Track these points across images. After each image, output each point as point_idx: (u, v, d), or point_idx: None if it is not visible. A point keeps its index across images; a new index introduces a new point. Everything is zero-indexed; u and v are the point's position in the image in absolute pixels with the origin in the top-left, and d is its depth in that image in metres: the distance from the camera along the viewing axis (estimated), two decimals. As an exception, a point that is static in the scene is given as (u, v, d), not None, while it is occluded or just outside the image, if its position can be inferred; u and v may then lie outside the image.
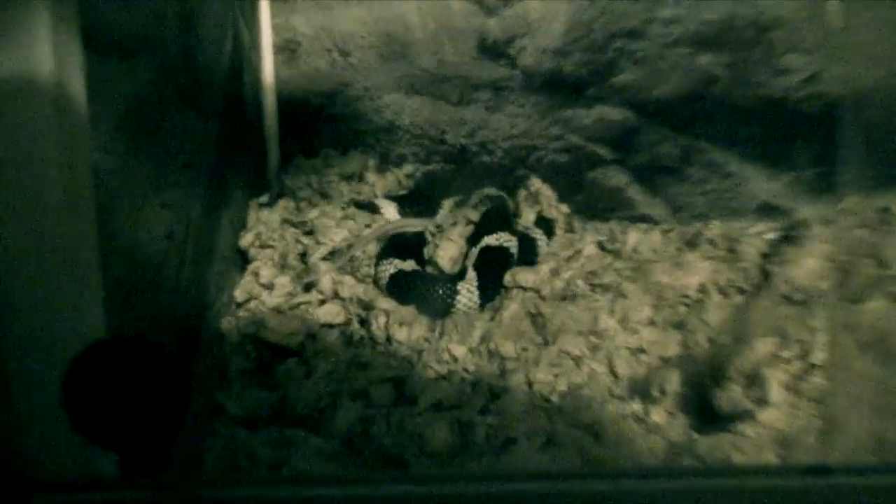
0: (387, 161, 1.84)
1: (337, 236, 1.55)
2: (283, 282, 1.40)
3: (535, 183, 1.72)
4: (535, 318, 1.29)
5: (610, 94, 1.59)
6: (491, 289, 1.39)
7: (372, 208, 1.69)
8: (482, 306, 1.38)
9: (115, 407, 0.62)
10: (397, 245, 1.52)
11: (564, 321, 1.27)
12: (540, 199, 1.70)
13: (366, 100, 1.80)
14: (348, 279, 1.40)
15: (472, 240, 1.53)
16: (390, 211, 1.71)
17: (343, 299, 1.36)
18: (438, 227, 1.59)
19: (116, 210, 0.98)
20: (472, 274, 1.41)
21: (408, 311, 1.33)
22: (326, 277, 1.39)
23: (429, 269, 1.50)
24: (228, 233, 1.49)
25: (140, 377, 0.64)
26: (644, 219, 1.62)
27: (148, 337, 0.67)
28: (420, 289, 1.39)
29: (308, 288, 1.39)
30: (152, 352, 0.65)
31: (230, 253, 1.50)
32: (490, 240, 1.47)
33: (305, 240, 1.55)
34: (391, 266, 1.43)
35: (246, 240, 1.54)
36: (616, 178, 1.67)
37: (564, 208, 1.69)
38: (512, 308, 1.32)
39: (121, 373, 0.64)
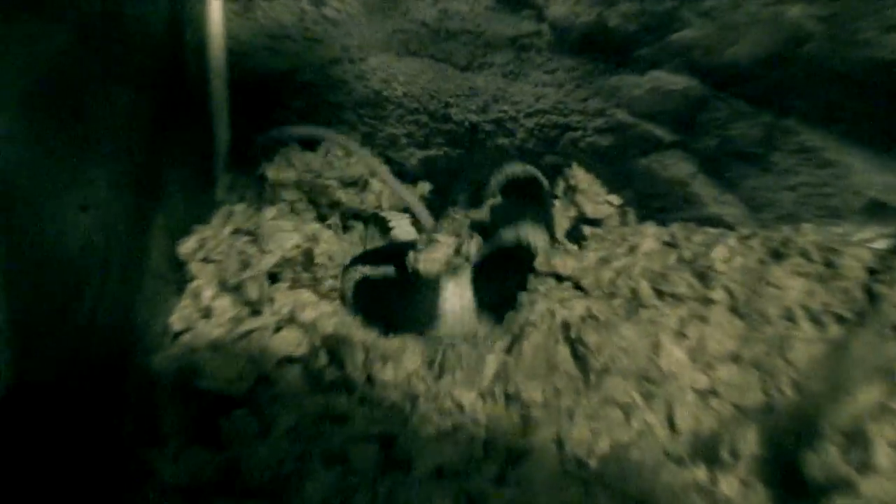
0: (372, 143, 1.87)
1: (288, 242, 1.58)
2: (225, 304, 1.43)
3: (577, 174, 1.74)
4: (575, 346, 1.30)
5: (668, 56, 1.61)
6: (499, 294, 1.39)
7: (377, 223, 1.73)
8: (483, 309, 1.38)
9: (12, 474, 0.65)
10: (379, 256, 1.55)
11: (614, 353, 1.28)
12: (577, 196, 1.71)
13: (345, 63, 1.83)
14: (308, 295, 1.43)
15: (486, 236, 1.55)
16: (402, 226, 1.74)
17: (303, 324, 1.38)
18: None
19: (22, 216, 1.00)
20: (465, 270, 1.42)
21: (393, 343, 1.35)
22: (280, 294, 1.42)
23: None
24: (165, 241, 1.51)
25: (48, 440, 0.66)
26: (714, 221, 1.65)
27: (62, 384, 0.70)
28: (392, 295, 1.41)
29: (258, 311, 1.42)
30: (66, 406, 0.67)
31: (167, 267, 1.53)
32: (508, 235, 1.48)
33: (251, 248, 1.58)
34: (356, 273, 1.46)
35: (186, 248, 1.57)
36: (677, 166, 1.69)
37: (615, 199, 1.71)
38: (534, 338, 1.32)
39: (25, 436, 0.66)
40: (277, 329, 1.38)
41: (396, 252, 1.58)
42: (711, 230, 1.59)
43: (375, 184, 1.85)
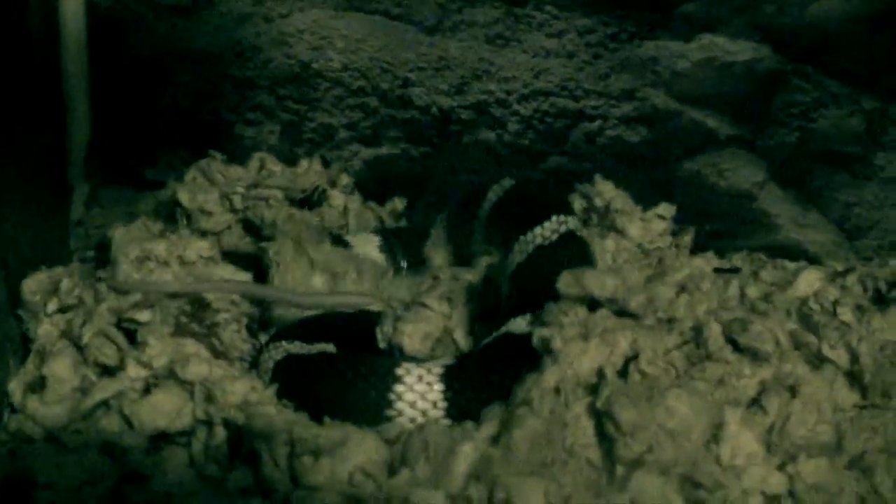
0: (297, 136, 1.90)
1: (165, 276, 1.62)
2: (64, 370, 1.45)
3: (603, 189, 1.75)
4: (602, 422, 1.29)
5: (727, 12, 1.64)
6: (490, 393, 1.41)
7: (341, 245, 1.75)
8: (454, 417, 1.40)
9: None
10: (327, 328, 1.59)
11: (655, 435, 1.26)
12: (616, 219, 1.71)
13: (258, 21, 1.85)
14: (195, 348, 1.46)
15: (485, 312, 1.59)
16: (368, 251, 1.78)
17: (187, 382, 1.40)
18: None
19: None
20: (444, 360, 1.46)
21: (331, 432, 1.36)
22: (153, 338, 1.45)
23: None
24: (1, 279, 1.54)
25: None
26: (792, 251, 1.68)
27: None
28: (329, 382, 1.43)
29: (113, 370, 1.45)
30: None
31: (4, 316, 1.56)
32: (519, 325, 1.49)
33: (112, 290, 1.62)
34: (278, 350, 1.49)
35: (31, 289, 1.60)
36: (739, 173, 1.72)
37: (666, 210, 1.70)
38: (531, 424, 1.33)
39: None
40: (147, 390, 1.41)
41: (347, 323, 1.61)
42: (788, 264, 1.62)
43: (335, 196, 1.88)
